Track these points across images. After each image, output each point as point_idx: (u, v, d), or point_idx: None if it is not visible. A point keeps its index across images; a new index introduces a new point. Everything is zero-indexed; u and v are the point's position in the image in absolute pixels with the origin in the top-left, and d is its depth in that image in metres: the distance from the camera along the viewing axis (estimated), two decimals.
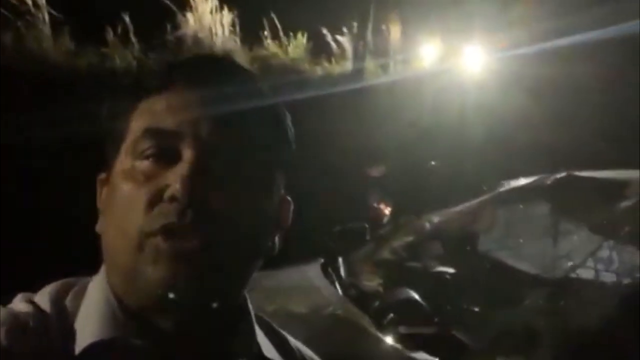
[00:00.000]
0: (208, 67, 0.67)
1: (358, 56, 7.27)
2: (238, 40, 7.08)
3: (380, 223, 4.66)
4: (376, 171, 5.34)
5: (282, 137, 0.70)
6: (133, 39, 6.18)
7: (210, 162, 0.61)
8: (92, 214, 0.70)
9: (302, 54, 7.27)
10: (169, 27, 6.46)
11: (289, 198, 0.72)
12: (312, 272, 3.04)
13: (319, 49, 7.31)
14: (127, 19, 6.08)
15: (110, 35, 6.08)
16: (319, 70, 7.21)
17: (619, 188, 2.47)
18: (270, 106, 0.70)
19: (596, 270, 2.17)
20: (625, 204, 2.33)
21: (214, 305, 0.63)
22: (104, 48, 6.09)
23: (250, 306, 0.70)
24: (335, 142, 5.43)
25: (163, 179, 0.61)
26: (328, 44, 7.33)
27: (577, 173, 2.80)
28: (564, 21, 5.67)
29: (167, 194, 0.60)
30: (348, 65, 7.29)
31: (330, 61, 7.34)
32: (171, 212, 0.59)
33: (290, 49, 7.25)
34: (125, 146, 0.65)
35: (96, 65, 6.07)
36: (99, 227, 0.67)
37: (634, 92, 5.53)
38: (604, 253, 2.23)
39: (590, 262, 2.21)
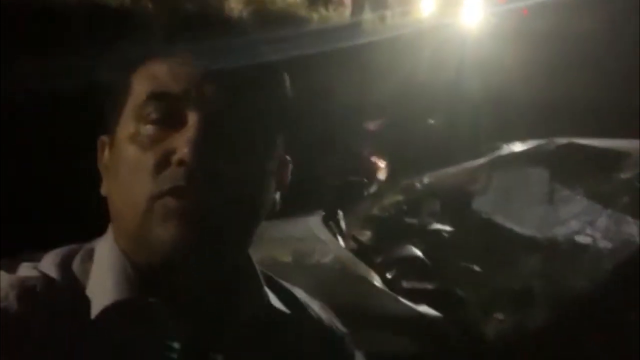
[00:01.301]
0: (211, 28, 0.68)
1: (357, 5, 7.16)
2: None
3: (375, 177, 4.74)
4: (373, 125, 5.36)
5: (283, 99, 0.71)
6: None
7: (215, 125, 0.62)
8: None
9: (299, 0, 7.12)
10: None
11: (288, 158, 0.74)
12: (314, 224, 3.11)
13: None
14: None
15: None
16: (315, 17, 7.09)
17: (618, 158, 2.55)
18: (272, 69, 0.70)
19: (594, 238, 2.28)
20: (624, 175, 2.43)
21: (223, 261, 0.66)
22: None
23: (253, 261, 0.72)
24: (332, 94, 5.42)
25: (169, 142, 0.61)
26: None
27: (578, 141, 2.88)
28: None
29: (175, 157, 0.60)
30: (346, 14, 7.18)
31: (327, 9, 7.21)
32: (180, 175, 0.60)
33: None
34: (128, 109, 0.65)
35: (88, 1, 5.90)
36: (103, 190, 0.69)
37: (634, 45, 5.52)
38: (602, 221, 2.32)
39: (588, 230, 2.32)
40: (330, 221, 3.20)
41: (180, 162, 0.60)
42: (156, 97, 0.63)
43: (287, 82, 0.73)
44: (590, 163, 2.71)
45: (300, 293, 0.80)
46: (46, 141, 4.12)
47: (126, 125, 0.65)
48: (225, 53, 0.65)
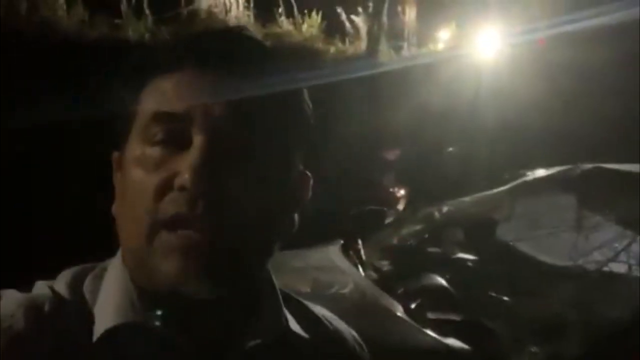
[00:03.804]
0: (220, 44, 0.63)
1: (372, 37, 7.21)
2: (252, 16, 7.00)
3: (394, 206, 4.68)
4: (391, 154, 5.33)
5: (299, 116, 0.66)
6: (147, 11, 6.12)
7: (222, 146, 0.58)
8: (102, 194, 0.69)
9: (316, 33, 7.19)
10: (183, 0, 6.40)
11: (308, 173, 0.69)
12: (334, 253, 3.05)
13: (333, 29, 7.23)
14: None
15: (124, 6, 6.02)
16: (332, 50, 7.15)
17: None
18: (286, 84, 0.66)
19: (628, 265, 2.19)
20: None
21: (233, 287, 0.62)
22: (117, 19, 6.03)
23: (275, 282, 0.69)
24: (349, 124, 5.42)
25: (173, 165, 0.58)
26: (342, 23, 7.26)
27: (605, 165, 2.80)
28: (579, 6, 5.58)
29: (177, 183, 0.57)
30: (362, 46, 7.22)
31: (344, 41, 7.27)
32: (181, 201, 0.57)
33: (304, 27, 7.17)
34: (135, 129, 0.63)
35: (108, 36, 6.03)
36: (114, 210, 0.66)
37: None
38: (636, 248, 2.23)
39: (622, 257, 2.23)
40: (350, 250, 3.13)
41: (182, 188, 0.57)
42: (160, 117, 0.60)
43: (305, 95, 0.68)
44: (619, 188, 2.62)
45: (322, 311, 0.76)
46: (65, 160, 4.15)
47: (133, 146, 0.62)
48: (235, 68, 0.61)
